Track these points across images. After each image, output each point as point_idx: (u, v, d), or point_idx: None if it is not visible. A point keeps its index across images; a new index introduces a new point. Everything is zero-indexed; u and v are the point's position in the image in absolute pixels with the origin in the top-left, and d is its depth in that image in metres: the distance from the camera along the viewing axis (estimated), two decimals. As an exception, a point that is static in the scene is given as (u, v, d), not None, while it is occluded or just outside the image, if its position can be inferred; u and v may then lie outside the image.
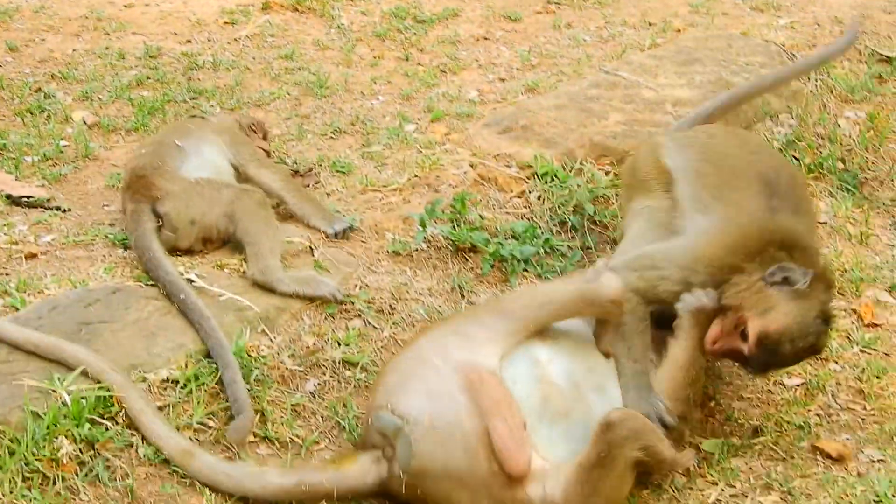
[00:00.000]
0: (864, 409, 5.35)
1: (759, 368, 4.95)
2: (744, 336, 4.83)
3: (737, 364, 5.13)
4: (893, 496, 4.67)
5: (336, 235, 5.82)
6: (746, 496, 4.81)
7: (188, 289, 5.21)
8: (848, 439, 5.14)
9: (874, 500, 4.69)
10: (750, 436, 5.16)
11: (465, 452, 4.44)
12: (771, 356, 4.81)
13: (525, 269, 5.89)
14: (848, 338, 5.77)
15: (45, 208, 6.24)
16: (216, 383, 4.90)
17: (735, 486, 4.86)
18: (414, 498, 4.56)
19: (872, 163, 7.05)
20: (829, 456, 5.01)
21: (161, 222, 5.64)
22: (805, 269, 4.78)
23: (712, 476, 4.92)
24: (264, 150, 6.34)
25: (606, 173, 6.43)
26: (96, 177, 6.68)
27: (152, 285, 5.32)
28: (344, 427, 5.07)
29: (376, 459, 4.62)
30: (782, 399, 5.39)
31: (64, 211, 6.24)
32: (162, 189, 5.67)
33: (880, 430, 5.18)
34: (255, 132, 6.47)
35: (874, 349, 5.70)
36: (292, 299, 5.42)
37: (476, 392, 4.46)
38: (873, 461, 4.99)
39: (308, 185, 6.30)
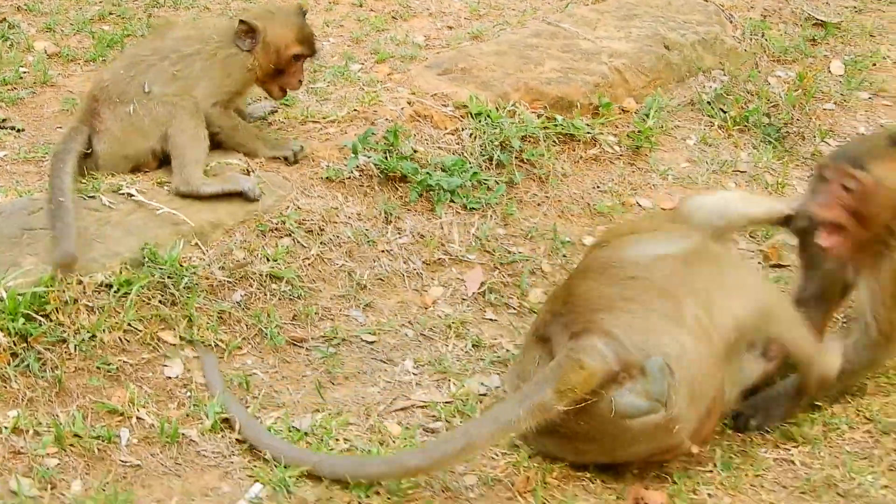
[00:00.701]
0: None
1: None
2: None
3: None
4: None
5: (287, 160, 6.13)
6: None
7: (70, 203, 5.43)
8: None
9: None
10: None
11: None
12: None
13: (452, 200, 6.19)
14: (754, 277, 6.09)
15: (0, 128, 6.54)
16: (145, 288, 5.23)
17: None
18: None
19: (797, 119, 7.36)
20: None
21: (91, 152, 5.92)
22: None
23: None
24: None
25: (539, 116, 6.73)
26: (52, 101, 6.98)
27: (92, 197, 5.63)
28: (266, 335, 5.38)
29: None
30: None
31: (18, 131, 6.55)
32: (104, 123, 5.95)
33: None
34: None
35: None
36: (228, 217, 5.73)
37: None
38: None
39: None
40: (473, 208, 6.20)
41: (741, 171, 6.90)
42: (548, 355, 4.72)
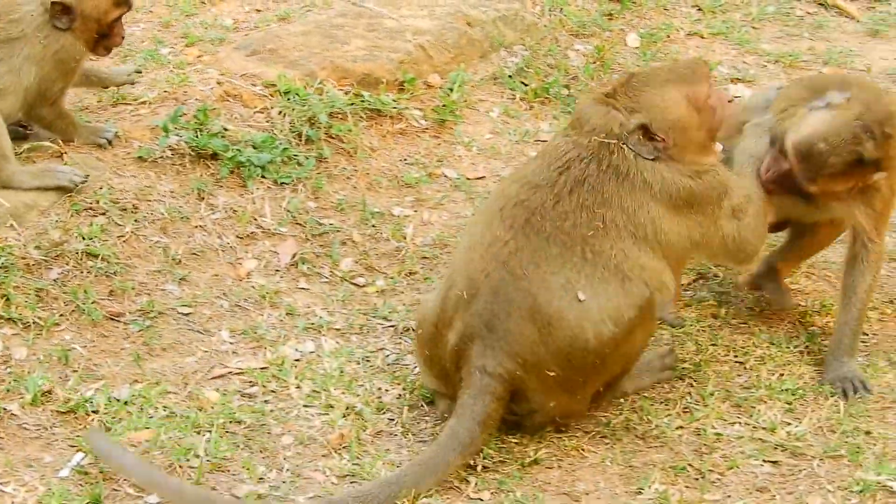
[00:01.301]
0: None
1: (805, 180, 5.30)
2: (785, 154, 5.31)
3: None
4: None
5: (102, 147, 6.23)
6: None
7: None
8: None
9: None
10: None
11: None
12: (810, 164, 5.25)
13: (263, 176, 6.37)
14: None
15: None
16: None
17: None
18: None
19: (592, 90, 7.68)
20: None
21: None
22: (844, 93, 5.34)
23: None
24: None
25: (346, 93, 6.94)
26: None
27: None
28: (84, 311, 5.51)
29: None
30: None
31: None
32: None
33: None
34: None
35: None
36: (42, 198, 5.84)
37: None
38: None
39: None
40: (284, 183, 6.38)
41: (542, 141, 7.19)
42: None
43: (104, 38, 6.27)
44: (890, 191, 5.48)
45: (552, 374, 4.82)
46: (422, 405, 5.22)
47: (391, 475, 4.69)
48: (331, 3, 7.95)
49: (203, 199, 6.20)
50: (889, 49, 8.97)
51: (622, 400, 5.28)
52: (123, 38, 6.39)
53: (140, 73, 6.83)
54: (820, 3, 9.61)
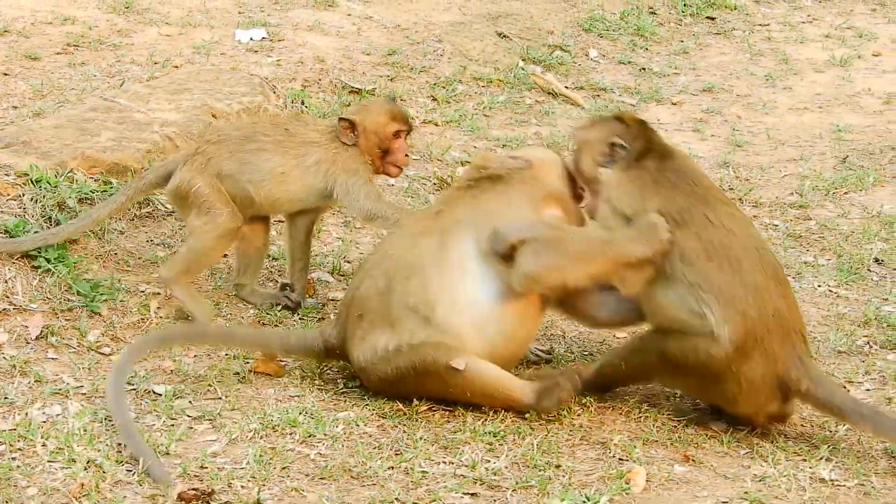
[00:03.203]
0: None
1: None
2: None
3: None
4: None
5: None
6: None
7: None
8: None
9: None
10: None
11: None
12: None
13: (21, 257, 6.84)
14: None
15: None
16: None
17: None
18: None
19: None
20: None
21: None
22: None
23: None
24: None
25: (96, 180, 7.47)
26: None
27: None
28: None
29: None
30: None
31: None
32: None
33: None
34: None
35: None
36: None
37: None
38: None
39: None
40: (36, 266, 6.85)
41: (281, 221, 7.82)
42: None
43: (387, 154, 6.95)
44: None
45: None
46: (157, 456, 5.71)
47: None
48: (84, 99, 8.49)
49: (-45, 285, 6.65)
50: (612, 132, 9.84)
51: (342, 447, 5.86)
52: (408, 156, 7.08)
53: None
54: (549, 93, 10.51)
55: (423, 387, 6.14)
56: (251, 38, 10.09)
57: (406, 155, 7.05)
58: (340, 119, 6.92)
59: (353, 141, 6.91)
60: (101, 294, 6.82)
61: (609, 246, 6.05)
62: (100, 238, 7.23)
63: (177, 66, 9.36)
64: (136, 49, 9.91)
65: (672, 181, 6.12)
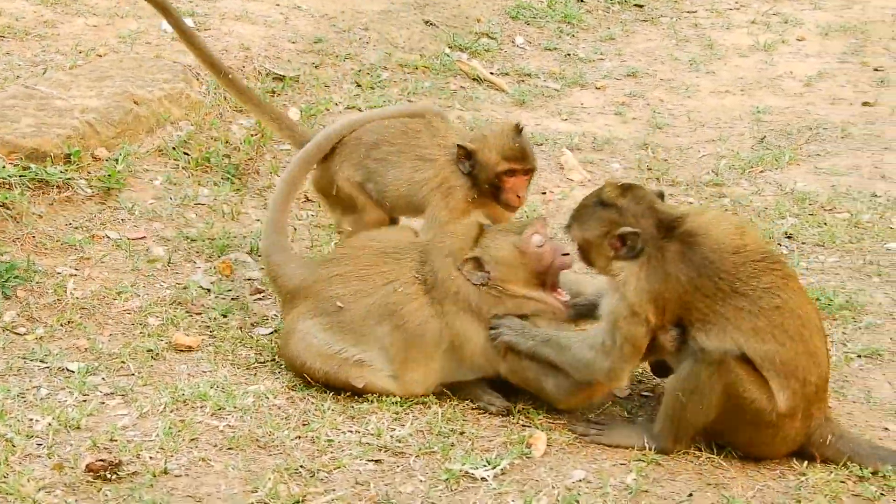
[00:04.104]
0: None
1: None
2: None
3: None
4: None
5: None
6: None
7: None
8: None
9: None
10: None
11: None
12: None
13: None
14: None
15: None
16: None
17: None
18: None
19: (251, 159, 8.52)
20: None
21: None
22: None
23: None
24: None
25: (14, 165, 7.56)
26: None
27: None
28: None
29: None
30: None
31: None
32: None
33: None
34: None
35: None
36: None
37: None
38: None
39: None
40: (-33, 257, 6.97)
41: (201, 204, 7.94)
42: None
43: (499, 190, 6.51)
44: None
45: None
46: (67, 430, 5.81)
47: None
48: (5, 87, 8.57)
49: None
50: (531, 116, 10.03)
51: (249, 416, 5.99)
52: (520, 198, 6.52)
53: None
54: (474, 79, 10.65)
55: None
56: (177, 28, 10.17)
57: (519, 196, 6.53)
58: (458, 146, 6.55)
59: (467, 170, 6.57)
60: (16, 277, 6.89)
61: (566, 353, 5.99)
62: (17, 221, 7.30)
63: (100, 55, 9.43)
64: (62, 39, 9.97)
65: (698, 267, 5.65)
